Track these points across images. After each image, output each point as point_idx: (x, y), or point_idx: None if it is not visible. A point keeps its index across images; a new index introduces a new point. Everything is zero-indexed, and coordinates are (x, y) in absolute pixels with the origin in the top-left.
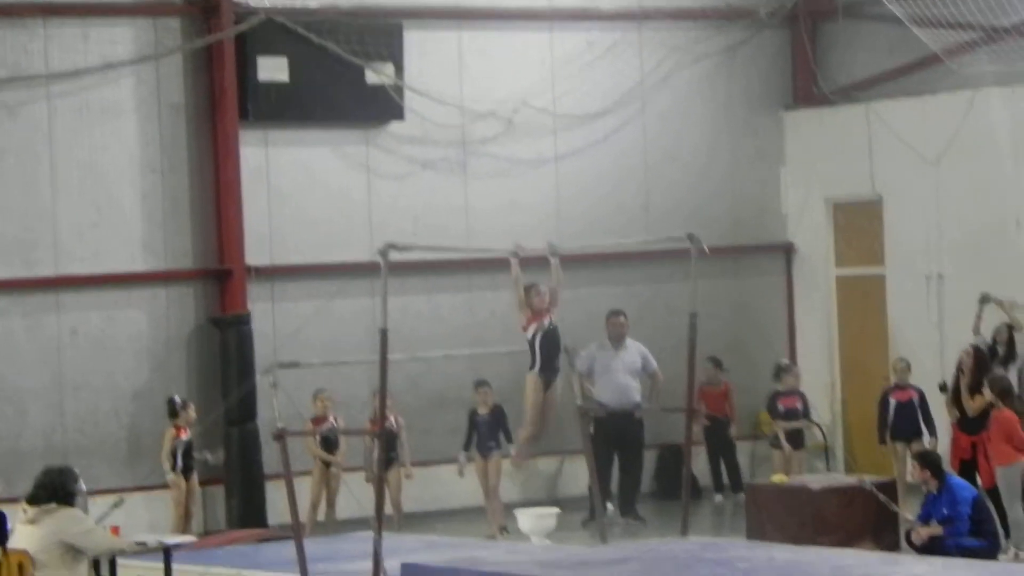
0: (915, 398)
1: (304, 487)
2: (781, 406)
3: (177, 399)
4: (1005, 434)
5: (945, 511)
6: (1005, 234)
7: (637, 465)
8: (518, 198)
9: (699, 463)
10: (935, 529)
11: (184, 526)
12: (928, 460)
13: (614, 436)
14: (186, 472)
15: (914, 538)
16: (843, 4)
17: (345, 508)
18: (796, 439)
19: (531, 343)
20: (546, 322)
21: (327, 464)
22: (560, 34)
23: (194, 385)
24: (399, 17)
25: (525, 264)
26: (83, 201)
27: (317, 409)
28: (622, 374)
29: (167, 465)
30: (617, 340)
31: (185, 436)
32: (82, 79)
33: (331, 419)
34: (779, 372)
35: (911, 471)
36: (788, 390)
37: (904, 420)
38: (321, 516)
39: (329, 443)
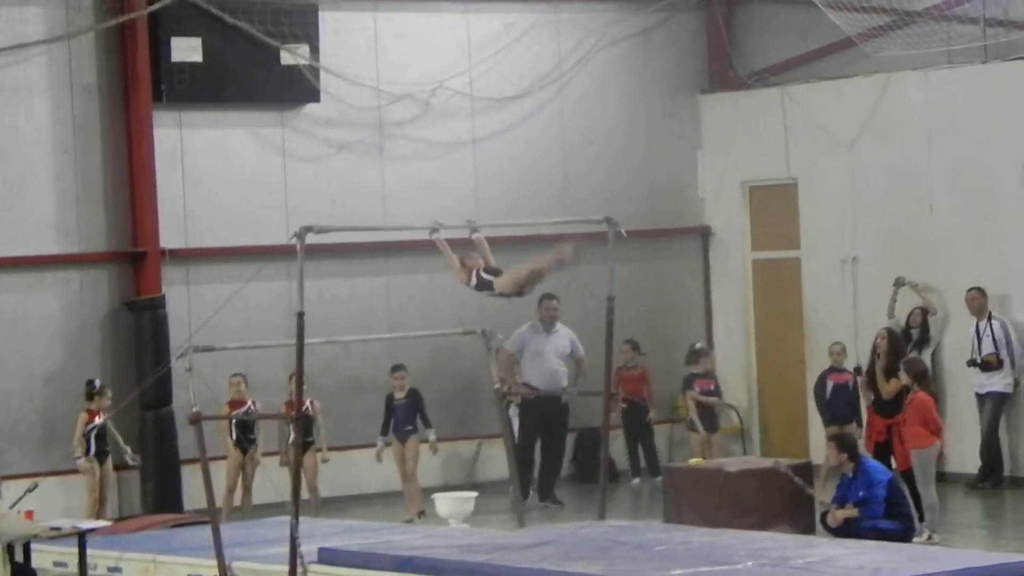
0: (850, 382)
1: (221, 472)
2: (697, 388)
3: (97, 383)
4: (921, 417)
5: (860, 494)
6: (919, 218)
7: (559, 449)
8: (435, 181)
9: (617, 446)
10: (850, 511)
11: (98, 511)
12: (844, 443)
13: (540, 419)
14: (100, 456)
15: (829, 520)
16: None
17: (261, 493)
18: (711, 422)
19: (479, 283)
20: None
21: (243, 449)
22: (477, 16)
23: (109, 369)
24: None
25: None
26: None
27: (233, 393)
28: (553, 358)
29: (79, 450)
30: (549, 324)
31: (99, 420)
32: None
33: (248, 403)
34: (695, 355)
35: (827, 454)
36: (703, 372)
37: (840, 403)
38: (238, 501)
39: (245, 427)
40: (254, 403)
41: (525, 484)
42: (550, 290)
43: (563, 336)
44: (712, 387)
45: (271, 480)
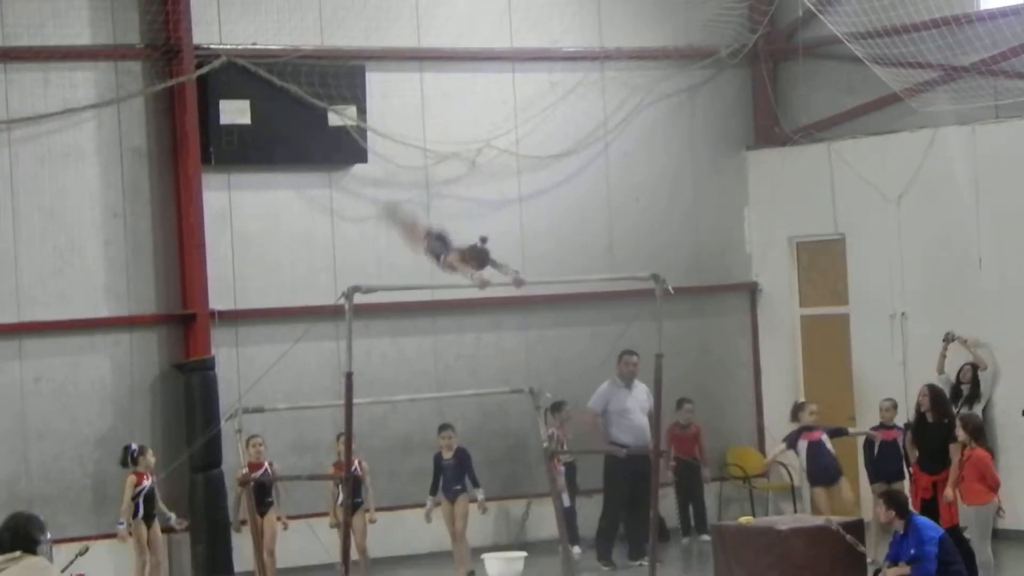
0: (899, 439)
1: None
2: (804, 440)
3: (133, 446)
4: (979, 473)
5: (912, 551)
6: (967, 272)
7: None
8: None
9: (667, 504)
10: (902, 570)
11: (145, 573)
12: (894, 500)
13: (630, 477)
14: (148, 519)
15: None
16: (803, 44)
17: (312, 554)
18: (827, 474)
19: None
20: None
21: (261, 513)
22: (522, 75)
23: (158, 431)
24: (361, 59)
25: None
26: (45, 247)
27: (251, 455)
28: (638, 414)
29: (126, 516)
30: (629, 379)
31: (147, 482)
32: (43, 124)
33: (265, 465)
34: (795, 409)
35: (876, 511)
36: (809, 425)
37: (888, 460)
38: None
39: (262, 490)
40: (271, 465)
41: (608, 546)
42: (585, 345)
43: (642, 390)
44: (819, 437)
45: (321, 541)
